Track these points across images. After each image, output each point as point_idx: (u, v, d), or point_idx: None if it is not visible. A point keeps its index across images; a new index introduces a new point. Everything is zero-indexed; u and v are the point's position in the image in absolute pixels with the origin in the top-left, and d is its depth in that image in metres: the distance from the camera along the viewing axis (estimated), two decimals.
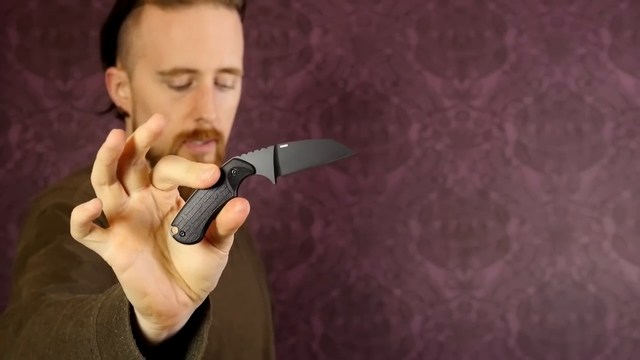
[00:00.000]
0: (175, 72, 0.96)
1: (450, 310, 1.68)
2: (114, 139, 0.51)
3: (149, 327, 0.56)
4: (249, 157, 0.55)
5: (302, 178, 1.68)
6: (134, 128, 1.03)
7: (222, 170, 0.54)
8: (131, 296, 0.54)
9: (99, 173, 0.52)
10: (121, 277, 0.54)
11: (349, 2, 1.69)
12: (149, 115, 0.99)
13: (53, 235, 0.86)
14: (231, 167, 0.54)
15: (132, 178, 0.54)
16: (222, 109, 1.00)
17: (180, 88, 0.97)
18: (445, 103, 1.69)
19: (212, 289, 0.57)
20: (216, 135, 0.99)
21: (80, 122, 1.65)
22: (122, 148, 0.52)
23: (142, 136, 0.52)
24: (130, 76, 1.01)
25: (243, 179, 0.54)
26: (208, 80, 0.97)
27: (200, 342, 0.60)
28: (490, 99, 1.69)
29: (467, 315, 1.68)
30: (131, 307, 0.57)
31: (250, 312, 1.10)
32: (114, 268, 0.54)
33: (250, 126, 1.67)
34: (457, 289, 1.68)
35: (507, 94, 1.69)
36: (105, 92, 1.65)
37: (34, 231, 0.88)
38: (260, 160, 0.55)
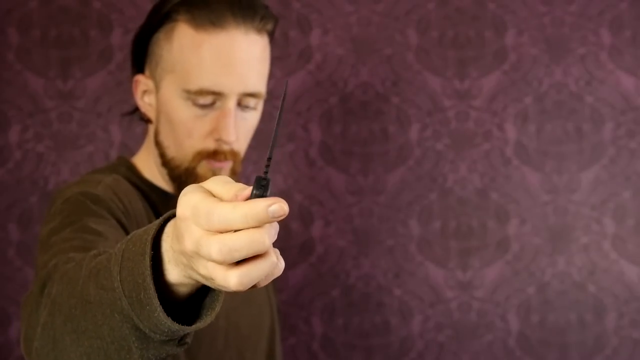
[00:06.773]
0: (201, 92, 0.99)
1: (450, 310, 1.68)
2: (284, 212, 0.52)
3: (176, 273, 0.58)
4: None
5: (302, 178, 1.68)
6: (157, 135, 1.06)
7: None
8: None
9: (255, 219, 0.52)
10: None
11: (349, 2, 1.69)
12: (171, 126, 1.02)
13: (79, 217, 0.87)
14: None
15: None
16: (242, 129, 1.04)
17: (204, 107, 1.01)
18: (445, 103, 1.69)
19: None
20: (234, 156, 1.03)
21: (80, 122, 1.65)
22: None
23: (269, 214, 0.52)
24: (157, 87, 1.04)
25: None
26: (231, 103, 1.00)
27: (214, 307, 0.61)
28: (490, 99, 1.69)
29: (467, 315, 1.68)
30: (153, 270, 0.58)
31: (256, 314, 1.12)
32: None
33: None
34: (457, 289, 1.68)
35: (507, 94, 1.69)
36: (105, 92, 1.65)
37: (59, 216, 0.89)
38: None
